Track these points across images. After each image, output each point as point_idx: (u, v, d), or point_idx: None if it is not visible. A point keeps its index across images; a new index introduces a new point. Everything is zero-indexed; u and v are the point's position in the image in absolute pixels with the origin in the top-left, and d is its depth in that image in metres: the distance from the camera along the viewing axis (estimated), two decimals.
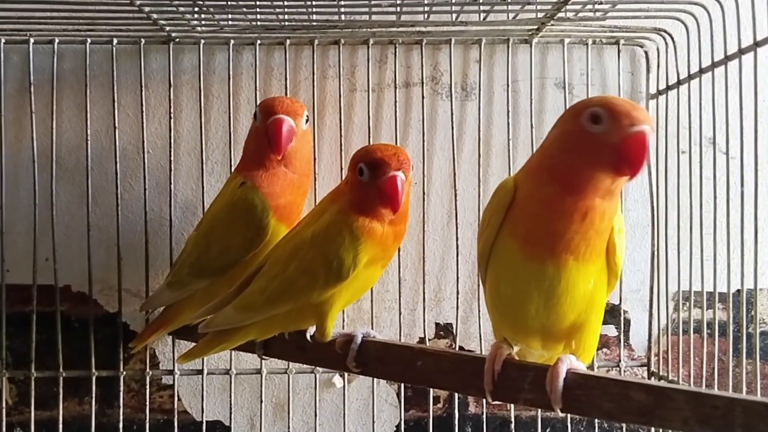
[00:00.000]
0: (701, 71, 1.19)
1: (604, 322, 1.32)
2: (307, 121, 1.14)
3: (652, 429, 1.21)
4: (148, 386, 1.34)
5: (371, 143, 1.31)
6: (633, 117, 0.80)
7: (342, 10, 1.22)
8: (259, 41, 1.33)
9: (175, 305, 1.20)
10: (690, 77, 1.23)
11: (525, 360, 0.95)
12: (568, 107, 0.89)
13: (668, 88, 1.29)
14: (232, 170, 1.24)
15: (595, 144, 0.81)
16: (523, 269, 0.87)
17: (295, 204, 1.14)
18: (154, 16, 1.20)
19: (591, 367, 1.32)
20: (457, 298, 1.33)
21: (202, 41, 1.32)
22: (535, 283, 0.86)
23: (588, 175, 0.82)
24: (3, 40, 1.30)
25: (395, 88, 1.34)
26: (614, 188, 0.84)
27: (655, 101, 1.34)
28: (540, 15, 1.21)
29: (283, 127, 1.09)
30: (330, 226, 0.98)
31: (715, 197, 1.15)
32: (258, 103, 1.18)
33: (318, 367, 1.33)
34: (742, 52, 1.08)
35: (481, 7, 1.21)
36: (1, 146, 1.30)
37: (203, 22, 1.27)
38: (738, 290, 1.08)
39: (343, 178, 1.07)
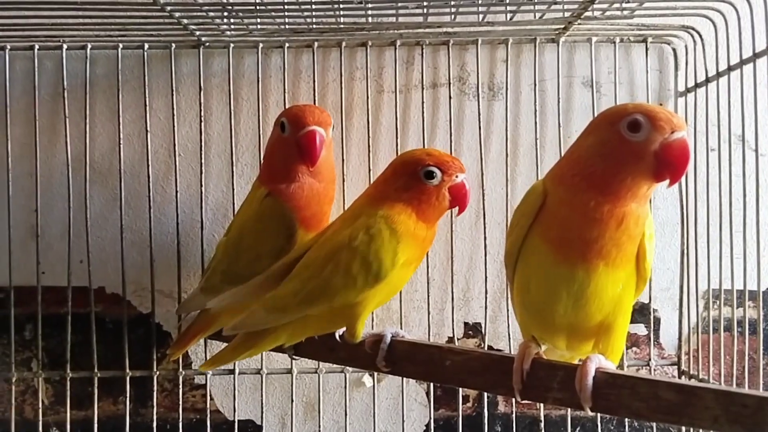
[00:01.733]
0: (729, 69, 1.19)
1: (634, 321, 1.33)
2: (333, 128, 1.15)
3: (683, 428, 1.21)
4: (181, 386, 1.36)
5: (399, 145, 1.32)
6: (674, 123, 0.81)
7: (369, 12, 1.22)
8: (287, 44, 1.34)
9: (210, 310, 1.21)
10: (718, 75, 1.22)
11: (553, 360, 0.95)
12: (598, 113, 0.89)
13: (697, 85, 1.29)
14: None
15: (635, 151, 0.82)
16: (554, 271, 0.87)
17: (322, 212, 1.14)
18: (185, 21, 1.21)
19: (621, 366, 1.32)
20: (486, 297, 1.33)
21: (232, 45, 1.33)
22: (565, 285, 0.87)
23: (628, 183, 0.83)
24: (37, 47, 1.32)
25: (422, 89, 1.34)
26: (649, 193, 0.85)
27: (683, 99, 1.33)
28: (567, 14, 1.21)
29: (317, 139, 1.09)
30: (369, 228, 0.99)
31: (744, 194, 1.14)
32: (285, 109, 1.17)
33: (348, 367, 1.34)
34: None
35: (508, 7, 1.21)
36: (35, 151, 1.33)
37: (232, 27, 1.28)
38: None
39: (376, 180, 1.07)
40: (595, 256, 0.85)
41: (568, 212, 0.86)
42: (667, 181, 0.83)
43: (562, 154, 0.96)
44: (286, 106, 1.32)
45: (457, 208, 1.03)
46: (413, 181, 1.00)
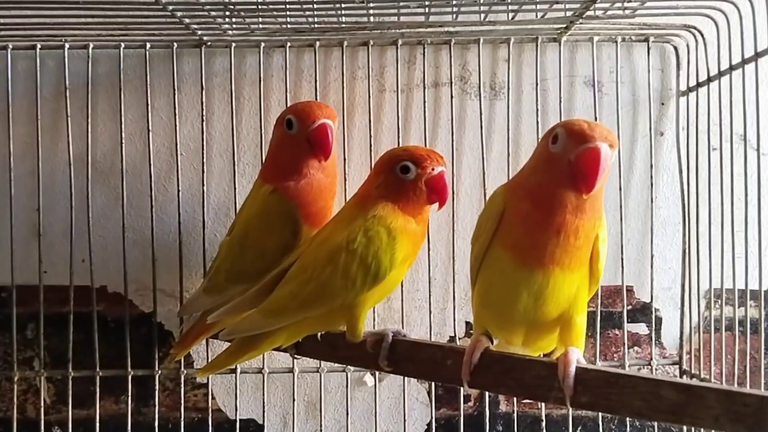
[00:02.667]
0: (731, 68, 1.19)
1: (636, 320, 1.33)
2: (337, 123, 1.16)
3: (684, 427, 1.21)
4: (182, 385, 1.36)
5: (401, 144, 1.32)
6: (587, 135, 0.84)
7: (370, 11, 1.22)
8: (289, 44, 1.34)
9: (214, 311, 1.20)
10: (720, 74, 1.22)
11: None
12: None
13: (698, 85, 1.29)
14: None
15: (554, 162, 0.86)
16: (514, 274, 0.91)
17: (327, 208, 1.15)
18: (186, 20, 1.21)
19: (622, 365, 1.32)
20: None
21: (233, 44, 1.33)
22: (525, 285, 0.90)
23: (553, 193, 0.86)
24: (39, 46, 1.33)
25: (424, 88, 1.34)
26: (583, 204, 0.87)
27: (685, 98, 1.33)
28: (569, 13, 1.21)
29: (329, 132, 1.11)
30: (367, 230, 0.99)
31: (746, 194, 1.14)
32: (288, 107, 1.18)
33: (349, 366, 1.34)
34: None
35: (510, 7, 1.21)
36: (38, 150, 1.33)
37: (234, 26, 1.29)
38: None
39: (365, 182, 1.07)
40: (549, 261, 0.88)
41: (517, 221, 0.90)
42: (590, 194, 0.85)
43: None
44: (288, 106, 1.32)
45: (437, 203, 1.04)
46: (391, 177, 1.02)
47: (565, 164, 0.85)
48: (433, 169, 1.01)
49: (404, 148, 1.06)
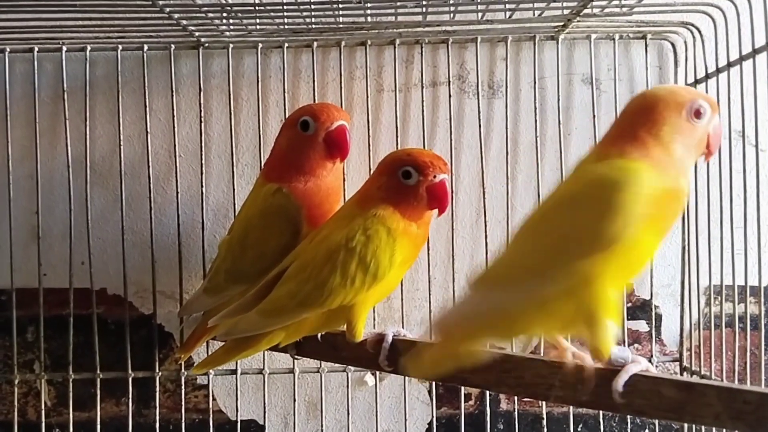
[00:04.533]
0: (729, 65, 1.19)
1: (635, 318, 1.33)
2: None
3: (685, 425, 1.21)
4: (183, 386, 1.36)
5: (400, 144, 1.32)
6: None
7: (368, 11, 1.22)
8: (286, 44, 1.34)
9: (215, 311, 1.17)
10: (718, 71, 1.22)
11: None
12: None
13: (696, 81, 1.29)
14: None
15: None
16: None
17: (331, 211, 1.14)
18: (184, 22, 1.21)
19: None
20: None
21: (231, 46, 1.33)
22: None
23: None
24: (36, 49, 1.32)
25: (422, 87, 1.34)
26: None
27: None
28: (566, 11, 1.21)
29: (347, 134, 1.12)
30: (367, 229, 0.99)
31: (745, 190, 1.14)
32: (303, 108, 1.17)
33: (350, 366, 1.34)
34: None
35: (507, 5, 1.21)
36: (36, 153, 1.33)
37: (231, 27, 1.28)
38: None
39: (366, 181, 1.07)
40: None
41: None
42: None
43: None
44: (286, 106, 1.33)
45: (437, 209, 1.04)
46: (393, 180, 1.02)
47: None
48: (434, 177, 1.01)
49: (408, 152, 1.05)
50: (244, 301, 1.06)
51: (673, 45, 1.34)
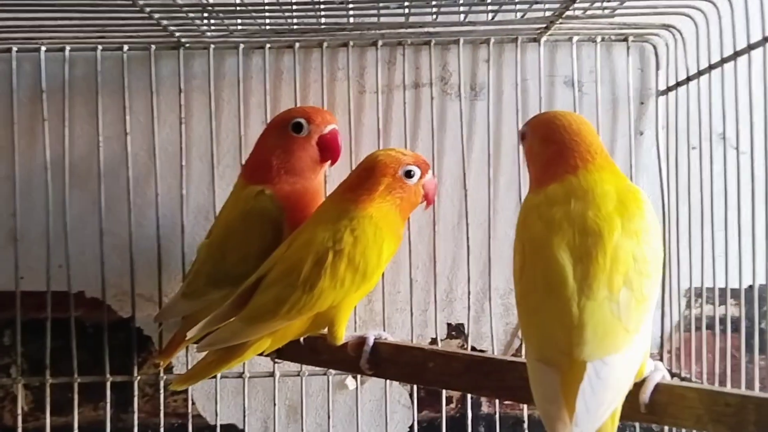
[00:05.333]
0: (711, 67, 1.19)
1: None
2: None
3: (665, 427, 1.21)
4: (162, 390, 1.35)
5: (382, 145, 1.32)
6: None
7: (350, 12, 1.22)
8: (268, 45, 1.33)
9: (194, 316, 1.16)
10: (699, 73, 1.22)
11: None
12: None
13: (678, 84, 1.29)
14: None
15: None
16: None
17: (311, 214, 1.14)
18: (164, 22, 1.20)
19: None
20: (469, 298, 1.33)
21: (212, 46, 1.33)
22: None
23: None
24: (15, 49, 1.31)
25: (404, 89, 1.34)
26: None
27: (664, 97, 1.33)
28: (548, 13, 1.21)
29: (338, 137, 1.15)
30: (354, 229, 0.99)
31: (725, 193, 1.14)
32: (294, 110, 1.18)
33: (331, 370, 1.33)
34: (751, 47, 1.08)
35: (489, 7, 1.21)
36: (14, 154, 1.31)
37: (213, 28, 1.28)
38: (750, 286, 1.08)
39: (349, 181, 1.07)
40: None
41: None
42: None
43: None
44: (268, 108, 1.32)
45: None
46: (395, 180, 1.03)
47: None
48: (423, 176, 1.06)
49: (403, 152, 1.08)
50: (222, 311, 1.03)
51: (654, 47, 1.34)
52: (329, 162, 1.17)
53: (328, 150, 1.14)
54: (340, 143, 1.15)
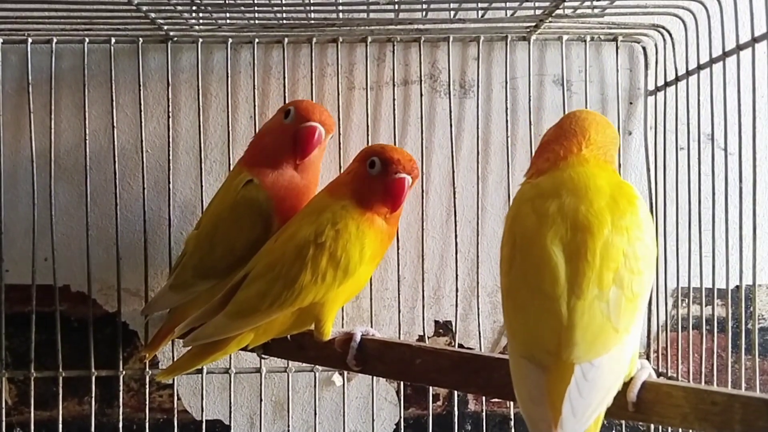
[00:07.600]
0: (699, 67, 1.19)
1: None
2: (331, 137, 1.18)
3: (652, 426, 1.21)
4: (147, 386, 1.34)
5: (370, 142, 1.32)
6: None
7: (340, 8, 1.22)
8: (257, 40, 1.32)
9: (181, 309, 1.18)
10: (688, 73, 1.23)
11: None
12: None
13: (666, 84, 1.29)
14: (234, 164, 1.24)
15: None
16: None
17: (299, 209, 1.13)
18: (152, 15, 1.19)
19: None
20: (456, 295, 1.33)
21: (200, 40, 1.32)
22: None
23: None
24: (1, 40, 1.30)
25: (394, 86, 1.34)
26: None
27: (653, 98, 1.34)
28: (538, 12, 1.21)
29: (315, 136, 1.11)
30: (335, 223, 0.99)
31: (713, 193, 1.14)
32: (296, 100, 1.20)
33: (317, 366, 1.33)
34: (740, 48, 1.08)
35: (479, 5, 1.21)
36: None
37: (201, 21, 1.27)
38: (737, 286, 1.08)
39: (344, 170, 1.07)
40: None
41: None
42: None
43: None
44: (256, 103, 1.32)
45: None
46: (362, 169, 1.04)
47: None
48: (396, 172, 1.01)
49: (383, 144, 1.07)
50: (210, 307, 1.04)
51: (643, 47, 1.35)
52: (299, 157, 1.12)
53: (297, 144, 1.11)
54: (312, 142, 1.11)
